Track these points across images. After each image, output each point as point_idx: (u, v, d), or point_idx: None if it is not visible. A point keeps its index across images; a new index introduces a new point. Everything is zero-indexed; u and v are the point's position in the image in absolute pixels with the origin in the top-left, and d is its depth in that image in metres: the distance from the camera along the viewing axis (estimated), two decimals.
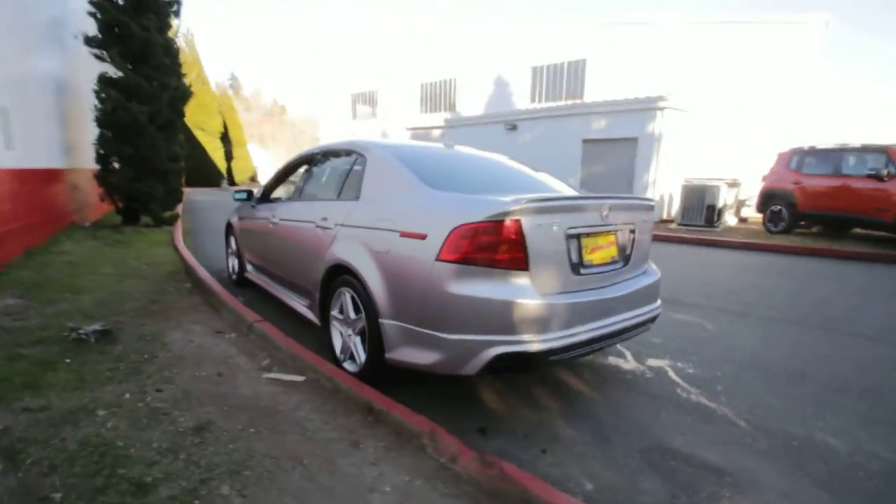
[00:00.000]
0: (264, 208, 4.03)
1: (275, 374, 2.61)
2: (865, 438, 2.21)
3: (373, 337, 2.38)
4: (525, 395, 2.57)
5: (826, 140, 9.37)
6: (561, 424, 2.28)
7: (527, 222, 2.02)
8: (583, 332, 2.16)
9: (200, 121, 22.69)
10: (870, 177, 7.73)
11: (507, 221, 1.99)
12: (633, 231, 2.57)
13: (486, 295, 1.99)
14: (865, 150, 8.12)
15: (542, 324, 2.03)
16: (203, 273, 4.77)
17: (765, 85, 15.69)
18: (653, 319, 2.65)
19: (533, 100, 19.49)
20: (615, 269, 2.44)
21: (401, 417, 2.03)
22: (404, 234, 2.23)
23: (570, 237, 2.19)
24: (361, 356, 2.51)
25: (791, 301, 4.81)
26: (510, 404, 2.47)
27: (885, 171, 7.52)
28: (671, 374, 2.94)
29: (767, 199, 9.75)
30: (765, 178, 9.88)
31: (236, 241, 4.65)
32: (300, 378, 2.55)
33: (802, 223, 9.38)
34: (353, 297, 2.57)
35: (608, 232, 2.40)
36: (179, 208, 10.06)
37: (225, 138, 26.62)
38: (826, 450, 2.12)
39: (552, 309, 2.04)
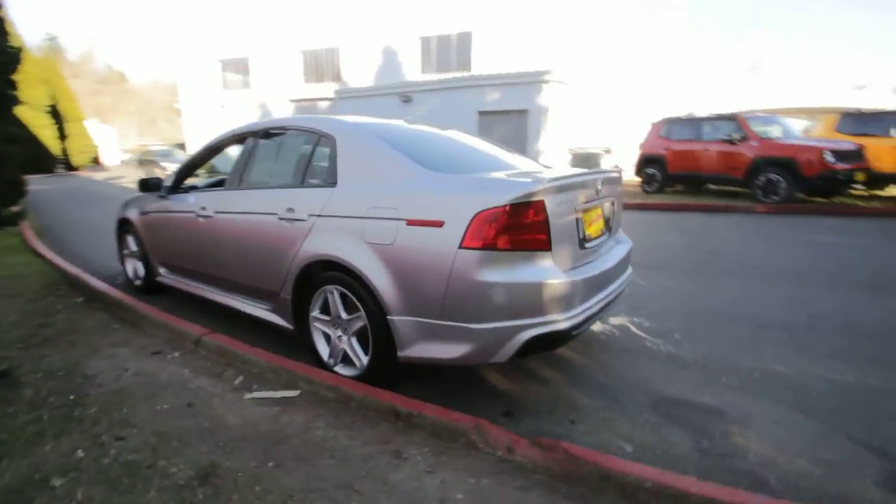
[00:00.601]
0: (183, 199, 3.40)
1: (260, 394, 2.26)
2: (803, 363, 2.67)
3: (379, 336, 2.18)
4: (524, 371, 2.61)
5: (696, 108, 10.88)
6: (574, 394, 2.36)
7: (549, 202, 1.99)
8: (595, 304, 2.24)
9: (18, 92, 18.24)
10: (724, 141, 9.17)
11: (533, 202, 1.93)
12: (612, 203, 2.69)
13: (517, 279, 1.93)
14: (719, 118, 9.59)
15: (567, 301, 2.04)
16: (97, 283, 3.92)
17: (640, 56, 17.45)
18: (628, 283, 2.84)
19: (424, 71, 19.25)
20: (604, 241, 2.54)
21: (437, 417, 1.91)
22: (413, 223, 2.04)
23: (577, 213, 2.21)
24: (363, 358, 2.29)
25: (692, 253, 5.57)
26: (517, 382, 2.49)
27: (736, 136, 8.99)
28: (634, 329, 3.21)
29: (643, 164, 11.04)
30: (641, 146, 11.15)
31: (139, 240, 3.87)
32: (293, 393, 2.25)
33: (672, 183, 10.84)
34: (342, 296, 2.31)
35: (598, 205, 2.48)
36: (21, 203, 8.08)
37: (55, 113, 21.90)
38: (781, 377, 2.51)
39: (574, 286, 2.06)
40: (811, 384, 2.44)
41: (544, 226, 1.98)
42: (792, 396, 2.33)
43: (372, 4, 19.47)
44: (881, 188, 9.24)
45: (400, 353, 2.13)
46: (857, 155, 8.08)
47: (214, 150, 3.43)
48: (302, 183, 2.61)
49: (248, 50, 22.28)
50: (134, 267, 4.12)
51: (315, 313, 2.48)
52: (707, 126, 9.69)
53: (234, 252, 2.89)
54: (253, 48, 22.16)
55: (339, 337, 2.41)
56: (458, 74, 17.05)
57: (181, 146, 25.84)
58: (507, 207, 1.89)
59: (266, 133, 2.99)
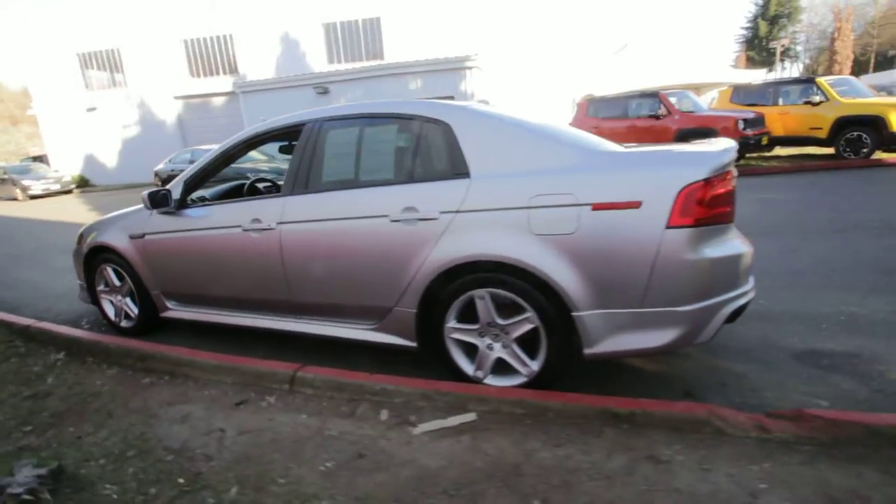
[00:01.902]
0: (207, 213, 2.78)
1: (432, 425, 1.93)
2: (862, 301, 2.98)
3: (557, 337, 1.98)
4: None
5: (581, 89, 11.67)
6: (724, 364, 2.38)
7: (734, 172, 1.94)
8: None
9: None
10: (650, 116, 10.03)
11: (725, 174, 1.86)
12: None
13: (721, 253, 1.87)
14: (643, 95, 10.45)
15: (748, 272, 2.03)
16: (80, 332, 3.09)
17: (544, 39, 18.20)
18: None
19: (331, 60, 18.25)
20: None
21: (666, 410, 1.79)
22: (600, 207, 1.86)
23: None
24: (531, 364, 2.07)
25: None
26: (656, 363, 2.44)
27: (660, 111, 9.87)
28: None
29: None
30: (570, 125, 11.75)
31: (131, 271, 3.09)
32: (469, 416, 1.95)
33: None
34: (493, 299, 2.06)
35: None
36: None
37: None
38: (862, 317, 2.78)
39: (751, 255, 2.05)
40: (889, 318, 2.75)
41: (731, 197, 1.94)
42: (886, 330, 2.60)
43: None
44: (770, 150, 10.86)
45: (587, 351, 1.95)
46: (760, 122, 9.37)
47: (235, 152, 2.83)
48: (412, 177, 2.26)
49: (119, 41, 19.07)
50: (119, 306, 3.30)
51: (452, 324, 2.18)
52: (632, 103, 10.51)
53: (317, 269, 2.42)
54: (125, 39, 19.01)
55: (490, 346, 2.15)
56: (373, 63, 16.42)
57: (38, 159, 21.55)
58: (707, 181, 1.80)
59: (333, 124, 2.52)
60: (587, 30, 22.10)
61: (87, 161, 20.59)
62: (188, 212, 2.87)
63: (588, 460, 1.66)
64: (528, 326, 2.03)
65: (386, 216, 2.20)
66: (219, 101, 18.93)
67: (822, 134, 9.08)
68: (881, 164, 8.46)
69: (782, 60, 43.55)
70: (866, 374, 2.18)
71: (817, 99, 9.22)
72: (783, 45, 41.88)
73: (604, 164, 1.95)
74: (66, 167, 19.30)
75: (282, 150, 3.31)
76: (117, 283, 3.25)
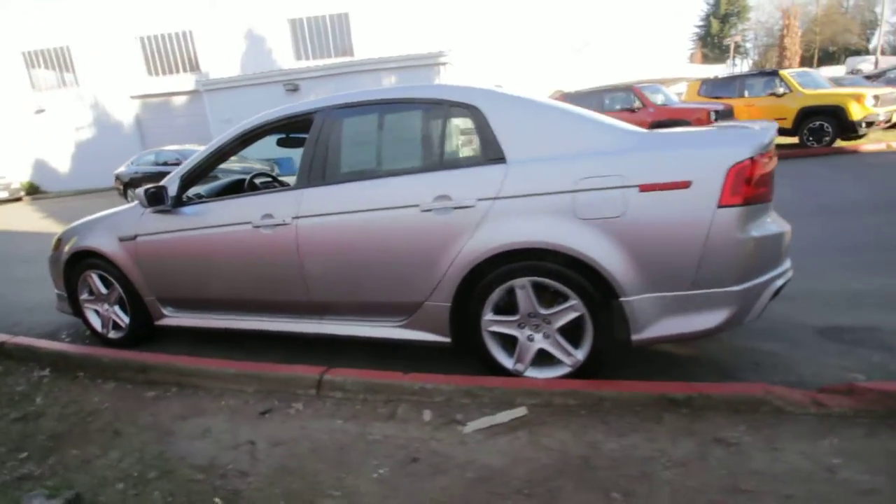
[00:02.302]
0: (208, 211, 2.58)
1: (482, 423, 1.83)
2: (879, 279, 3.07)
3: (603, 324, 1.92)
4: None
5: (579, 83, 11.82)
6: (751, 344, 2.39)
7: (774, 152, 1.93)
8: None
9: None
10: (626, 110, 10.21)
11: (767, 154, 1.85)
12: None
13: (767, 232, 1.86)
14: (616, 89, 10.64)
15: (786, 250, 2.04)
16: (66, 346, 2.83)
17: (522, 36, 18.28)
18: None
19: (299, 57, 17.78)
20: None
21: (723, 392, 1.76)
22: (648, 188, 1.81)
23: None
24: (575, 353, 2.00)
25: None
26: (683, 346, 2.42)
27: (634, 104, 10.07)
28: None
29: None
30: None
31: (121, 277, 2.84)
32: (520, 412, 1.86)
33: None
34: (534, 288, 1.98)
35: None
36: None
37: None
38: (878, 292, 2.84)
39: (790, 234, 2.05)
40: (893, 292, 2.84)
41: (772, 177, 1.93)
42: (894, 303, 2.69)
43: None
44: None
45: (635, 337, 1.90)
46: (730, 113, 9.69)
47: (237, 144, 2.63)
48: (441, 164, 2.15)
49: (69, 38, 17.88)
50: (106, 315, 3.03)
51: (489, 317, 2.09)
52: (607, 97, 10.68)
53: (339, 265, 2.28)
54: (75, 36, 17.83)
55: (530, 337, 2.07)
56: (344, 59, 16.08)
57: None
58: (753, 159, 1.78)
59: (348, 112, 2.38)
60: (549, 28, 22.40)
61: (36, 166, 19.27)
62: (186, 209, 2.65)
63: (656, 448, 1.61)
64: (572, 315, 1.96)
65: (416, 206, 2.09)
66: (180, 100, 18.09)
67: (787, 124, 9.47)
68: (842, 151, 8.92)
69: (734, 57, 45.68)
70: (890, 345, 2.24)
71: (781, 90, 9.62)
72: (736, 42, 43.87)
73: (649, 145, 1.90)
74: (14, 173, 17.98)
75: (280, 143, 3.12)
76: (104, 290, 2.99)
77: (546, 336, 2.05)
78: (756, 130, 1.89)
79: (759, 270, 1.86)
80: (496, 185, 1.98)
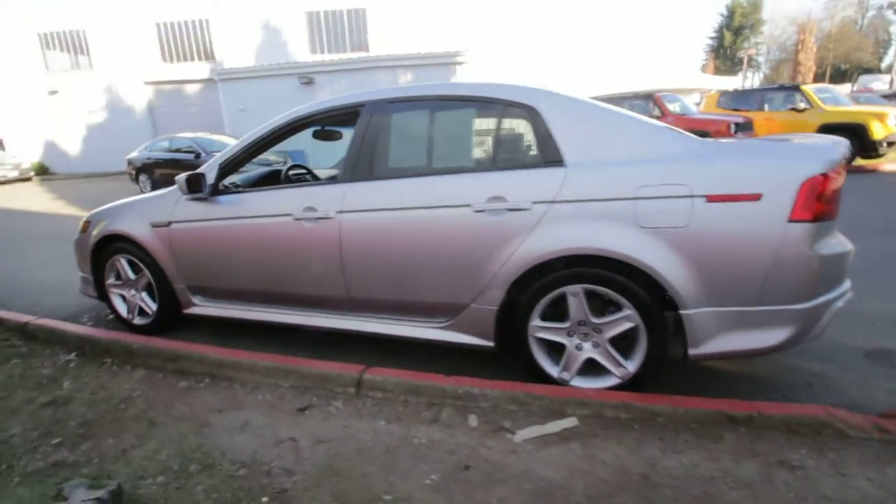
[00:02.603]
0: (246, 200, 2.54)
1: (533, 431, 1.78)
2: None
3: (658, 336, 1.87)
4: None
5: (592, 90, 11.74)
6: (800, 364, 2.33)
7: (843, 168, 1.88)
8: None
9: None
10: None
11: (837, 170, 1.80)
12: None
13: (834, 250, 1.80)
14: (637, 97, 10.58)
15: (847, 270, 1.98)
16: (97, 331, 2.77)
17: (538, 41, 18.21)
18: None
19: (314, 51, 17.75)
20: None
21: (783, 413, 1.71)
22: (717, 199, 1.75)
23: None
24: (626, 365, 1.95)
25: None
26: (735, 363, 2.37)
27: (653, 113, 10.00)
28: None
29: None
30: None
31: (151, 262, 2.80)
32: (571, 422, 1.81)
33: None
34: (586, 295, 1.93)
35: None
36: None
37: None
38: None
39: (853, 253, 2.00)
40: None
41: (840, 194, 1.88)
42: None
43: None
44: None
45: (692, 351, 1.85)
46: (749, 126, 9.62)
47: (282, 134, 2.58)
48: (494, 164, 2.10)
49: (85, 22, 17.85)
50: (133, 301, 2.99)
51: (537, 322, 2.04)
52: (626, 104, 10.61)
53: (382, 262, 2.23)
54: (91, 20, 17.81)
55: (578, 346, 2.02)
56: (360, 54, 16.05)
57: None
58: (825, 175, 1.73)
59: (398, 106, 2.33)
60: (565, 34, 22.30)
61: (47, 147, 19.26)
62: (223, 198, 2.61)
63: (718, 468, 1.56)
64: (626, 326, 1.91)
65: (468, 206, 2.04)
66: (193, 88, 18.06)
67: None
68: (862, 170, 8.85)
69: (746, 69, 45.64)
70: None
71: (802, 106, 9.55)
72: (749, 55, 43.76)
73: (716, 154, 1.85)
74: (25, 153, 17.96)
75: (316, 135, 3.07)
76: (132, 276, 2.94)
77: (595, 345, 2.00)
78: (827, 145, 1.84)
79: (823, 289, 1.81)
80: (554, 189, 1.93)
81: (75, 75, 18.63)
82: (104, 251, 2.99)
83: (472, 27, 17.30)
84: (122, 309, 3.06)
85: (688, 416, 1.77)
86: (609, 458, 1.64)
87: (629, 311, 1.88)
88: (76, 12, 17.66)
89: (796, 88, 10.02)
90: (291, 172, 3.13)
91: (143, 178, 11.12)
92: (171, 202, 2.73)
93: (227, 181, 2.78)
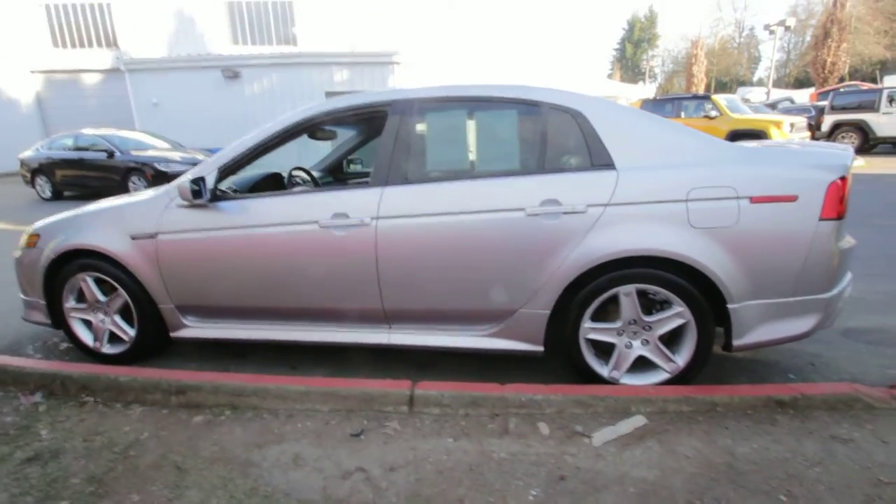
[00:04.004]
0: (256, 207, 2.29)
1: (608, 435, 1.79)
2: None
3: (707, 331, 1.98)
4: None
5: None
6: (796, 347, 2.59)
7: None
8: None
9: None
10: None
11: (849, 173, 2.02)
12: None
13: (847, 245, 2.03)
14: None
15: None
16: (65, 366, 2.33)
17: (468, 45, 18.45)
18: None
19: (236, 42, 16.54)
20: None
21: (822, 393, 1.89)
22: (760, 200, 1.89)
23: None
24: (676, 360, 2.04)
25: None
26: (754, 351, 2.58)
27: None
28: None
29: None
30: None
31: (130, 281, 2.42)
32: (640, 420, 1.85)
33: None
34: (636, 296, 2.00)
35: None
36: None
37: None
38: (873, 300, 3.23)
39: (854, 246, 2.25)
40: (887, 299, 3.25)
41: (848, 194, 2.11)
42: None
43: None
44: None
45: (737, 342, 1.99)
46: None
47: (288, 134, 2.34)
48: (543, 168, 2.08)
49: None
50: (101, 326, 2.56)
51: (588, 324, 2.07)
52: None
53: (424, 270, 2.11)
54: None
55: (628, 344, 2.08)
56: (291, 49, 15.24)
57: None
58: (843, 178, 1.94)
59: (431, 106, 2.22)
60: (487, 39, 22.97)
61: None
62: (224, 205, 2.32)
63: (786, 449, 1.68)
64: (677, 322, 2.00)
65: (521, 210, 2.01)
66: (92, 78, 16.01)
67: None
68: None
69: (646, 79, 50.33)
70: None
71: (714, 113, 10.70)
72: (651, 66, 48.18)
73: (755, 159, 1.99)
74: None
75: (313, 136, 2.84)
76: (101, 297, 2.52)
77: (645, 343, 2.07)
78: (841, 153, 2.06)
79: (840, 279, 2.03)
80: (607, 192, 1.97)
81: None
82: (61, 270, 2.53)
83: (403, 27, 17.18)
84: (85, 337, 2.62)
85: (742, 404, 1.89)
86: (689, 451, 1.70)
87: (680, 307, 1.97)
88: None
89: (707, 98, 11.21)
90: (295, 176, 2.88)
91: (40, 180, 9.63)
92: (157, 210, 2.37)
93: (224, 185, 2.48)
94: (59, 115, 15.68)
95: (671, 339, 2.08)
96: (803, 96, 23.78)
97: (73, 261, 2.50)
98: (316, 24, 16.49)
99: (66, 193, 9.77)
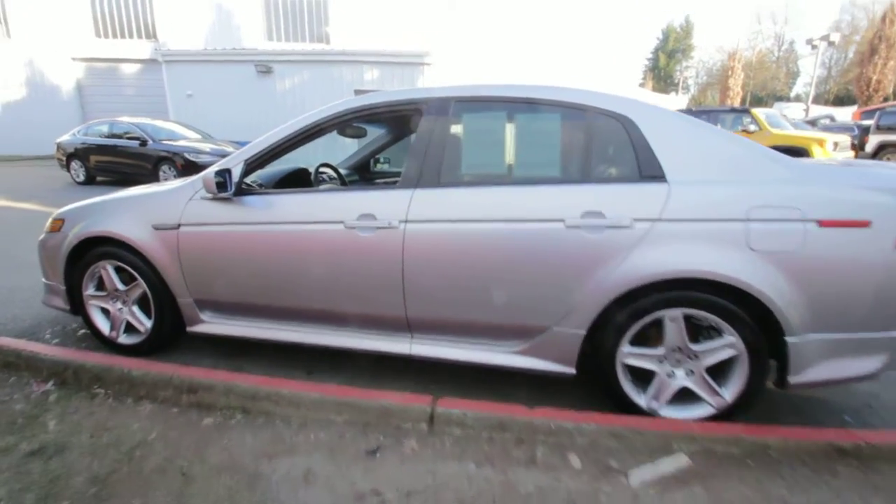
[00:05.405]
0: (282, 203, 2.20)
1: (647, 474, 1.63)
2: None
3: (760, 364, 1.80)
4: None
5: None
6: (856, 387, 2.37)
7: None
8: None
9: None
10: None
11: None
12: None
13: None
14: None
15: None
16: (80, 354, 2.29)
17: (499, 49, 18.34)
18: None
19: (271, 38, 16.77)
20: None
21: (878, 442, 1.69)
22: (829, 224, 1.70)
23: None
24: (723, 394, 1.85)
25: None
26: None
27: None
28: None
29: None
30: None
31: (153, 270, 2.36)
32: (683, 460, 1.68)
33: None
34: (684, 321, 1.83)
35: None
36: None
37: None
38: None
39: None
40: None
41: None
42: None
43: None
44: None
45: (794, 380, 1.79)
46: None
47: (325, 127, 2.26)
48: (586, 177, 1.94)
49: None
50: (118, 316, 2.52)
51: (626, 348, 1.90)
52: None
53: (452, 279, 1.99)
54: None
55: (670, 373, 1.91)
56: (323, 46, 15.37)
57: None
58: None
59: (469, 106, 2.10)
60: (521, 43, 22.79)
61: None
62: (249, 199, 2.24)
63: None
64: (728, 353, 1.82)
65: (561, 220, 1.86)
66: (131, 68, 16.44)
67: None
68: None
69: (679, 90, 49.34)
70: None
71: (752, 128, 10.29)
72: (685, 77, 47.19)
73: (823, 179, 1.80)
74: None
75: (343, 132, 2.76)
76: (121, 286, 2.48)
77: (689, 373, 1.90)
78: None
79: None
80: (657, 206, 1.80)
81: None
82: (83, 256, 2.49)
83: (435, 28, 17.14)
84: (102, 325, 2.57)
85: (799, 449, 1.70)
86: (739, 500, 1.52)
87: (732, 337, 1.79)
88: None
89: (746, 111, 10.80)
90: (322, 172, 2.79)
91: (75, 164, 9.87)
92: (182, 201, 2.31)
93: (250, 180, 2.41)
94: (98, 102, 16.15)
95: (717, 370, 1.90)
96: (844, 114, 22.89)
97: (95, 248, 2.46)
98: (349, 23, 16.59)
99: (99, 178, 10.00)
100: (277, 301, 2.26)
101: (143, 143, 9.17)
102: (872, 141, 12.50)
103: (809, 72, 22.68)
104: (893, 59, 25.09)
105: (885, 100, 25.08)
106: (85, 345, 2.68)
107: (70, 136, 10.06)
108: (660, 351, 1.89)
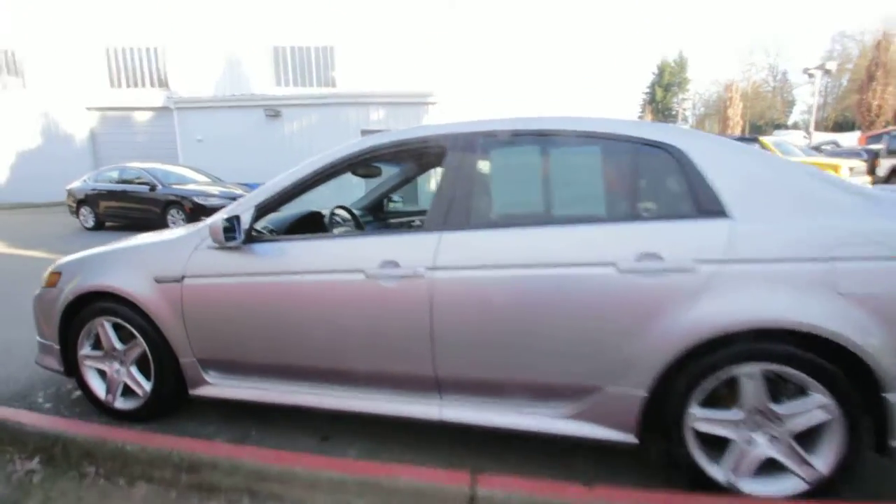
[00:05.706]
0: (295, 251, 2.01)
1: None
2: None
3: (860, 428, 1.52)
4: None
5: None
6: None
7: None
8: None
9: None
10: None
11: None
12: None
13: None
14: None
15: None
16: (70, 424, 2.05)
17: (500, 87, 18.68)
18: None
19: (279, 84, 17.24)
20: None
21: None
22: None
23: None
24: (816, 465, 1.57)
25: None
26: None
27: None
28: None
29: None
30: None
31: (153, 327, 2.15)
32: None
33: None
34: (766, 378, 1.57)
35: None
36: None
37: None
38: None
39: None
40: None
41: None
42: None
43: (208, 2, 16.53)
44: None
45: (894, 442, 1.52)
46: None
47: (340, 169, 2.09)
48: (636, 214, 1.73)
49: (19, 41, 16.30)
50: (115, 378, 2.29)
51: (695, 411, 1.64)
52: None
53: (488, 333, 1.75)
54: (27, 39, 16.30)
55: (750, 441, 1.63)
56: (330, 90, 15.73)
57: None
58: None
59: (496, 142, 1.93)
60: (520, 80, 23.27)
61: None
62: (259, 247, 2.05)
63: None
64: (819, 417, 1.55)
65: (612, 264, 1.64)
66: (143, 115, 16.86)
67: None
68: None
69: (678, 122, 50.10)
70: None
71: None
72: (683, 109, 48.07)
73: (884, 211, 1.59)
74: None
75: (356, 172, 2.60)
76: (118, 345, 2.26)
77: (773, 439, 1.62)
78: None
79: None
80: (720, 245, 1.58)
81: (3, 95, 16.83)
82: (79, 312, 2.29)
83: (437, 68, 17.56)
84: (98, 388, 2.34)
85: None
86: None
87: (824, 398, 1.53)
88: (11, 31, 16.14)
89: (754, 140, 10.74)
90: (336, 215, 2.61)
91: (84, 210, 9.88)
92: (186, 250, 2.12)
93: (260, 226, 2.23)
94: (110, 148, 16.47)
95: (804, 436, 1.62)
96: (848, 139, 22.91)
97: (93, 303, 2.27)
98: (354, 67, 17.05)
99: (108, 224, 9.98)
100: (290, 360, 2.03)
101: (153, 187, 9.18)
102: (884, 165, 12.36)
103: (804, 100, 22.94)
104: (892, 84, 25.34)
105: (887, 124, 25.17)
106: (78, 410, 2.44)
107: (80, 183, 10.12)
108: (737, 414, 1.62)
